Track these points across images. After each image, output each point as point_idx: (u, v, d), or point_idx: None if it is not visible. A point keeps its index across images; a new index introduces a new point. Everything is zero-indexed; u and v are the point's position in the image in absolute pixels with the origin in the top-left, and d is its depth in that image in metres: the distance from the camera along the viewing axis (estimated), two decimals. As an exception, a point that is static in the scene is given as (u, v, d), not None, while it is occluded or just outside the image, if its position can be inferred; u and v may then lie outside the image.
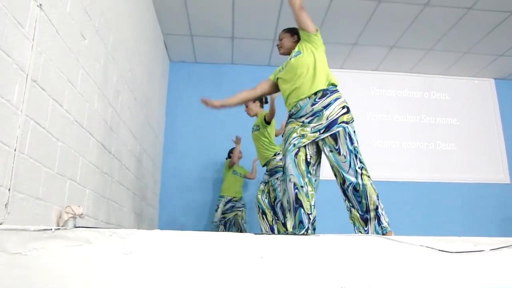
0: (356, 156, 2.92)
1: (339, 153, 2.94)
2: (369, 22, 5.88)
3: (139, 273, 1.63)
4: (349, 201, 2.95)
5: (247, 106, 4.94)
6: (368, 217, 2.89)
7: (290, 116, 3.19)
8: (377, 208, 2.88)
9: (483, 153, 7.27)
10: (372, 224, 2.87)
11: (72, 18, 2.72)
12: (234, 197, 5.97)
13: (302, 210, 2.94)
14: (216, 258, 1.69)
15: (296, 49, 3.23)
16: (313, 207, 2.98)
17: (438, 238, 1.81)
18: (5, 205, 1.95)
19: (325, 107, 3.00)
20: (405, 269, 1.75)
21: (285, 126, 3.21)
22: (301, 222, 2.94)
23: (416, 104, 7.42)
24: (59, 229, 1.67)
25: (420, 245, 1.79)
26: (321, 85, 3.06)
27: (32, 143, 2.21)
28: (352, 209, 2.95)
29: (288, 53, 3.34)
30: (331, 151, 2.98)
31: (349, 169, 2.92)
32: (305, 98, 3.06)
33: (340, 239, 1.79)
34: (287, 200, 3.04)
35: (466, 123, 7.42)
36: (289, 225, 3.03)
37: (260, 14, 5.71)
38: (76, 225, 2.46)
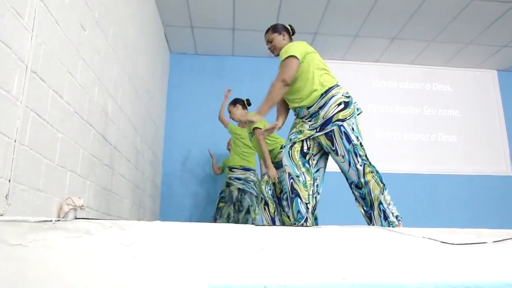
0: (356, 154, 2.89)
1: (336, 153, 2.95)
2: (371, 13, 5.85)
3: (140, 265, 1.63)
4: (355, 197, 2.95)
5: (230, 112, 5.02)
6: (372, 213, 2.87)
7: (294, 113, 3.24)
8: (380, 203, 2.84)
9: (485, 145, 7.25)
10: (377, 220, 2.85)
11: (71, 9, 2.71)
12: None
13: (298, 200, 2.95)
14: (217, 249, 1.68)
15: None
16: (311, 196, 2.97)
17: (440, 230, 1.81)
18: (6, 196, 1.95)
19: (321, 107, 3.00)
20: (407, 260, 1.75)
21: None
22: (298, 212, 2.94)
23: (418, 96, 7.39)
24: (59, 220, 1.67)
25: (423, 237, 1.78)
26: (315, 97, 3.02)
27: (32, 134, 2.20)
28: (358, 205, 2.95)
29: None
30: (329, 152, 3.02)
31: (349, 169, 2.92)
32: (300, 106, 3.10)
33: (341, 230, 1.78)
34: (286, 191, 3.06)
35: (468, 115, 7.39)
36: (290, 215, 3.04)
37: (261, 5, 5.68)
38: (77, 217, 2.46)
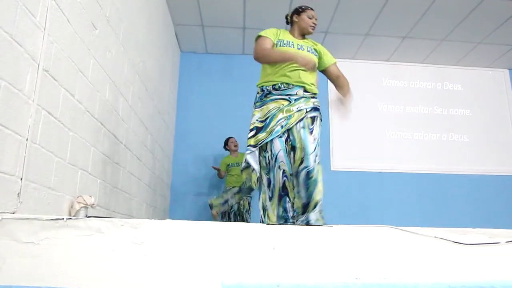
0: (319, 146, 2.96)
1: (311, 132, 2.94)
2: (382, 12, 5.82)
3: (151, 263, 1.63)
4: (298, 186, 2.91)
5: None
6: (308, 206, 2.87)
7: (271, 92, 3.09)
8: (316, 203, 2.87)
9: (496, 144, 7.19)
10: (311, 213, 2.86)
11: (83, 8, 2.71)
12: (233, 186, 5.95)
13: (287, 198, 2.93)
14: (229, 248, 1.68)
15: (312, 45, 3.26)
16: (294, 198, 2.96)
17: (452, 230, 1.79)
18: (18, 194, 1.96)
19: (312, 97, 3.08)
20: (420, 260, 1.73)
21: (264, 103, 3.09)
22: (285, 209, 2.92)
23: (429, 95, 7.35)
24: (70, 218, 1.67)
25: (435, 237, 1.77)
26: (315, 90, 3.15)
27: (44, 132, 2.21)
28: (297, 196, 2.92)
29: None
30: (303, 127, 2.95)
31: (313, 152, 2.90)
32: (303, 87, 3.08)
33: (353, 230, 1.78)
34: (271, 188, 2.99)
35: (479, 115, 7.33)
36: (272, 213, 2.97)
37: (271, 4, 5.68)
38: (88, 215, 2.47)
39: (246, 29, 6.37)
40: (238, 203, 5.91)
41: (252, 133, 3.01)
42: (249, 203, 6.01)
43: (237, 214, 5.92)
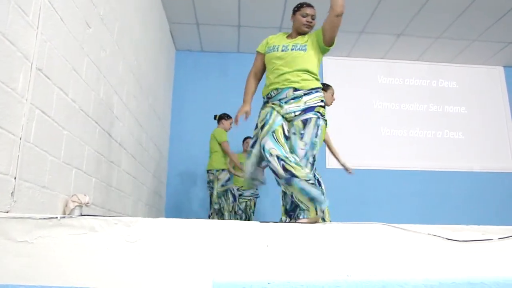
0: (313, 149, 2.85)
1: (301, 138, 2.84)
2: (376, 10, 5.83)
3: (144, 261, 1.63)
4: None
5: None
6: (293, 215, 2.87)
7: (267, 101, 3.06)
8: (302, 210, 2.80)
9: (491, 141, 7.22)
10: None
11: (76, 6, 2.71)
12: (241, 186, 5.92)
13: (297, 179, 2.76)
14: (222, 246, 1.69)
15: (301, 41, 3.07)
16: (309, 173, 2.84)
17: (445, 227, 1.80)
18: (11, 193, 1.95)
19: (306, 94, 2.92)
20: (412, 257, 1.74)
21: (261, 110, 3.06)
22: (302, 189, 2.78)
23: (424, 93, 7.37)
24: (64, 217, 1.68)
25: (428, 234, 1.78)
26: (312, 84, 2.97)
27: (38, 131, 2.21)
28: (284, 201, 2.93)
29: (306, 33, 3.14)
30: (294, 133, 2.88)
31: (302, 158, 2.82)
32: (292, 88, 2.96)
33: (346, 227, 1.78)
34: (277, 178, 2.88)
35: (474, 112, 7.36)
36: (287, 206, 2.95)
37: (266, 2, 5.68)
38: (82, 214, 2.47)
39: (241, 27, 6.37)
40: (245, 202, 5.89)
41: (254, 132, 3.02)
42: (255, 204, 6.01)
43: (245, 214, 5.88)
